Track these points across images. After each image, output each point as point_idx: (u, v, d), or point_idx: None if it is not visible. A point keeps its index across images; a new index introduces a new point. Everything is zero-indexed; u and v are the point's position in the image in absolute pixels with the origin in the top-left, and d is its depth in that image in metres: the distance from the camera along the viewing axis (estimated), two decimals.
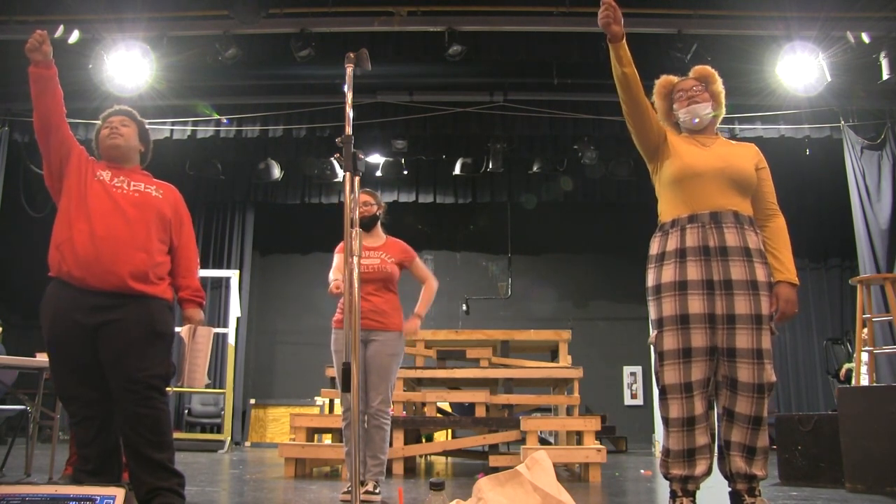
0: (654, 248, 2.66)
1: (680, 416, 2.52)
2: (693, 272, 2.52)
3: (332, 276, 3.84)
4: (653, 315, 2.64)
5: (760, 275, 2.54)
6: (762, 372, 2.50)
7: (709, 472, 2.60)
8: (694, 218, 2.56)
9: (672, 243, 2.58)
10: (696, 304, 2.50)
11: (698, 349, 2.50)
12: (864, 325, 5.53)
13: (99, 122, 2.97)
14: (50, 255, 2.72)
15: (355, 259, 2.47)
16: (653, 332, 2.64)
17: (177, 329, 2.85)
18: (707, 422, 2.58)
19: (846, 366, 7.37)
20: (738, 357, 2.52)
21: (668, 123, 2.83)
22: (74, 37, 6.24)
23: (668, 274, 2.56)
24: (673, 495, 2.62)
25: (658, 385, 2.60)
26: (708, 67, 2.82)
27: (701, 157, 2.62)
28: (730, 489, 2.65)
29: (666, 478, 2.62)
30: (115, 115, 2.96)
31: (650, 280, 2.65)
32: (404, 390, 5.86)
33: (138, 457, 2.66)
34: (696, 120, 2.71)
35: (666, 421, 2.57)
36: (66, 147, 2.81)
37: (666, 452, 2.59)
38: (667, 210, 2.67)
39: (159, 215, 2.83)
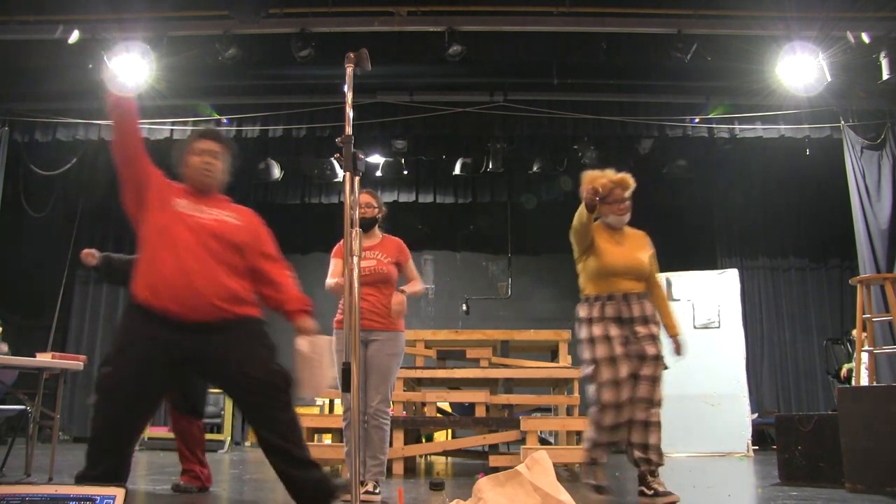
0: (583, 312, 3.63)
1: (612, 423, 3.46)
2: (614, 330, 3.54)
3: (329, 281, 3.86)
4: (587, 356, 3.56)
5: (654, 330, 3.60)
6: (658, 368, 3.51)
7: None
8: (612, 297, 3.60)
9: (596, 311, 3.58)
10: (619, 348, 3.51)
11: (624, 379, 3.46)
12: (864, 325, 5.53)
13: (186, 139, 2.95)
14: (137, 290, 2.68)
15: (355, 259, 2.47)
16: (590, 368, 3.52)
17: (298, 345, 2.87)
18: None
19: (846, 366, 7.36)
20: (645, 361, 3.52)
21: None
22: (74, 37, 6.24)
23: (598, 330, 3.55)
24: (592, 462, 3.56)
25: (597, 403, 3.49)
26: (630, 178, 3.64)
27: (617, 256, 3.62)
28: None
29: (590, 463, 3.52)
30: (208, 139, 2.90)
31: (584, 333, 3.60)
32: (404, 390, 5.85)
33: (290, 459, 2.70)
34: (620, 221, 3.69)
35: (599, 424, 3.46)
36: (145, 176, 2.80)
37: (593, 443, 3.48)
38: (590, 287, 3.66)
39: (237, 242, 2.83)
